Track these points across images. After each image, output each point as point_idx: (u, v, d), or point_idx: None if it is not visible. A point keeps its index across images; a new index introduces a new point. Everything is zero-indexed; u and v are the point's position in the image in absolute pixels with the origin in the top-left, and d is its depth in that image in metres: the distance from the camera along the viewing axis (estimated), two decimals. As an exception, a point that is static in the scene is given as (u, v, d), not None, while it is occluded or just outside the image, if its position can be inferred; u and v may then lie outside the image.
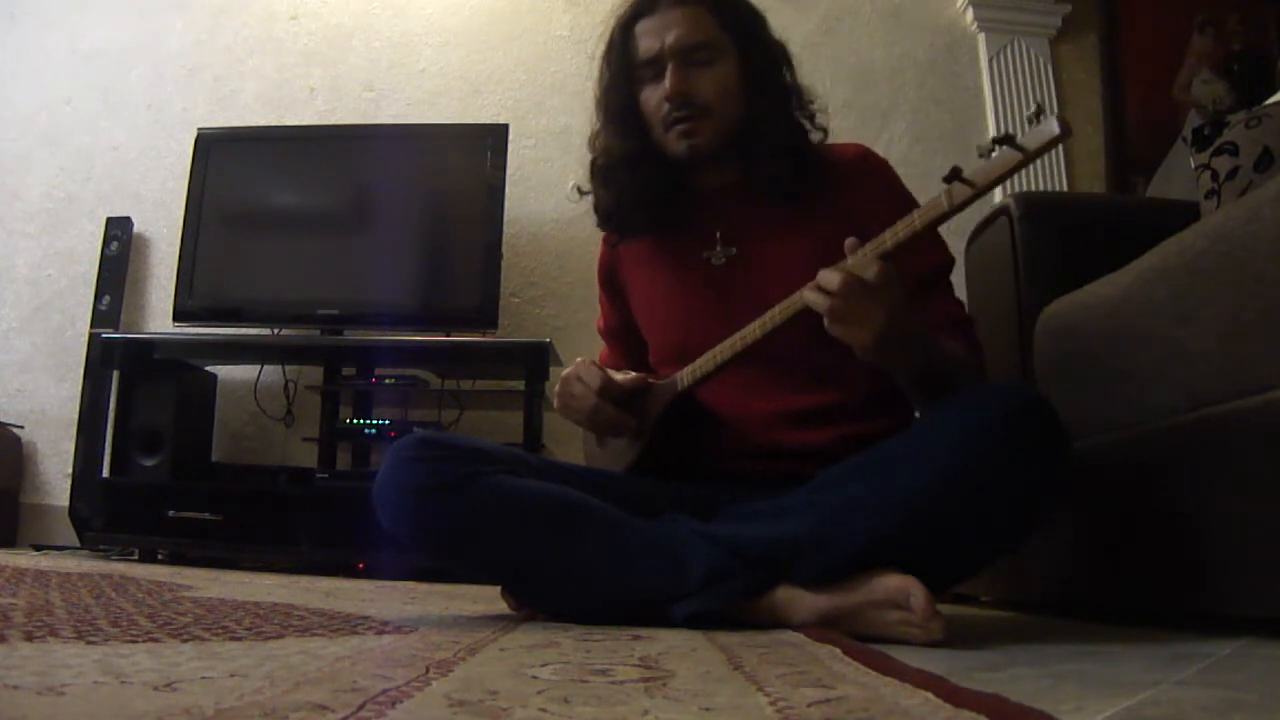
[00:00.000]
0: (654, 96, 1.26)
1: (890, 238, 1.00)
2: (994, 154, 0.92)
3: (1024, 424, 0.98)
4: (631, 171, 1.29)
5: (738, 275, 1.27)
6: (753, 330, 1.12)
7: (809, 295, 1.02)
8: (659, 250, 1.34)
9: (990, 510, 0.99)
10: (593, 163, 1.34)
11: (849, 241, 1.02)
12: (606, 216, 1.35)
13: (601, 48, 1.32)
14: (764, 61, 1.28)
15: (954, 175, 0.94)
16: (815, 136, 1.29)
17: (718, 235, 1.29)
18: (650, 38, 1.25)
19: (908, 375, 1.10)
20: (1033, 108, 0.90)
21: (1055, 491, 1.02)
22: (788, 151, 1.24)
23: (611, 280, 1.42)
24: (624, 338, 1.44)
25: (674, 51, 1.23)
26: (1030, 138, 0.90)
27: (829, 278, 1.00)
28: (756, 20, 1.30)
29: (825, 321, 1.01)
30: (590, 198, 1.36)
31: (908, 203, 1.25)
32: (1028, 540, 1.05)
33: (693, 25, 1.24)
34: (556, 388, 1.26)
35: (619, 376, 1.25)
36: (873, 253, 1.00)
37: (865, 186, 1.26)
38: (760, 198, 1.27)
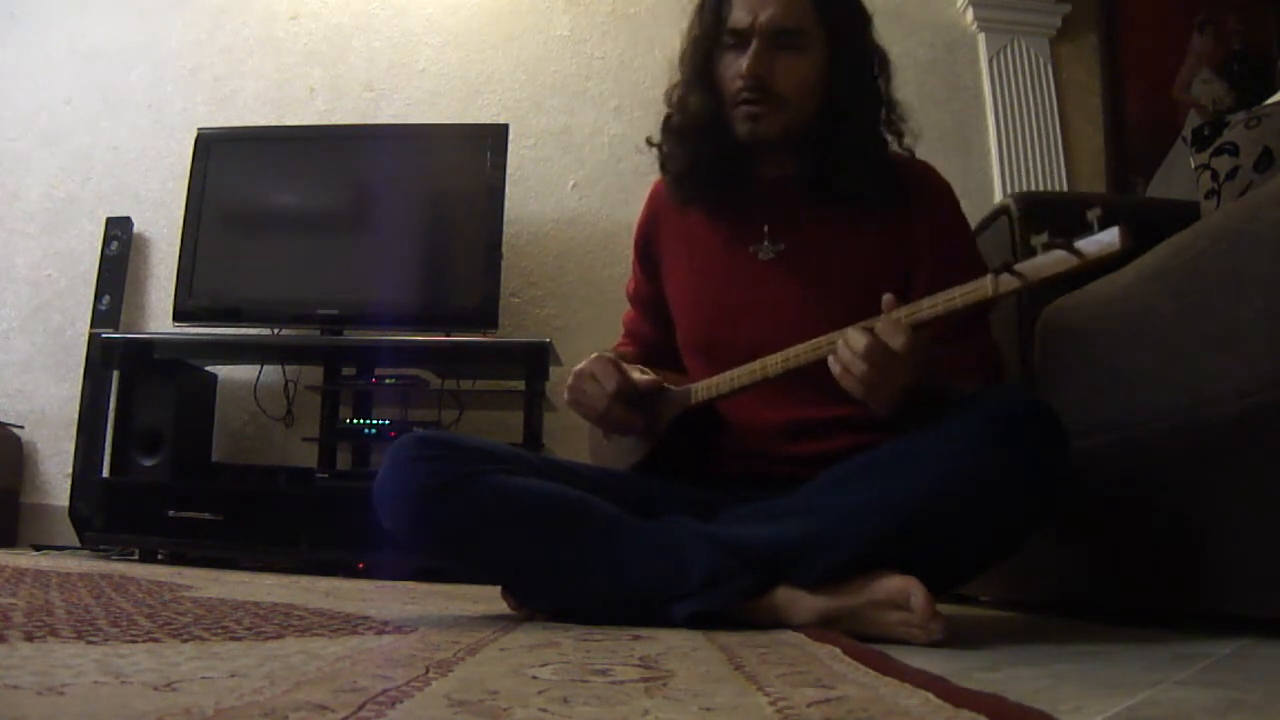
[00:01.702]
0: (731, 68, 1.21)
1: (928, 309, 0.98)
2: (1049, 253, 0.90)
3: (1026, 429, 0.98)
4: (697, 135, 1.25)
5: (780, 274, 1.24)
6: (775, 363, 1.11)
7: (830, 354, 1.02)
8: (703, 231, 1.31)
9: (991, 514, 0.99)
10: (667, 118, 1.30)
11: (886, 298, 1.01)
12: (674, 175, 1.31)
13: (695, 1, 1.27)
14: (855, 62, 1.22)
15: (1004, 267, 0.93)
16: (900, 155, 1.25)
17: (766, 229, 1.26)
18: (744, 9, 1.19)
19: (915, 426, 1.09)
20: (1097, 209, 0.87)
21: (1056, 496, 1.02)
22: (857, 160, 1.20)
23: (648, 249, 1.38)
24: (652, 307, 1.40)
25: (763, 30, 1.18)
26: (1088, 244, 0.87)
27: (856, 340, 0.99)
28: (859, 19, 1.25)
29: (845, 380, 1.01)
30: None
31: (963, 233, 1.25)
32: (1028, 543, 1.05)
33: (789, 8, 1.18)
34: (569, 382, 1.24)
35: (635, 375, 1.23)
36: (905, 320, 0.99)
37: (926, 209, 1.23)
38: (815, 197, 1.24)
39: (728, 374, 1.17)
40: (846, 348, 1.00)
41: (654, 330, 1.40)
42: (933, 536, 0.99)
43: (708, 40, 1.24)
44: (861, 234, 1.22)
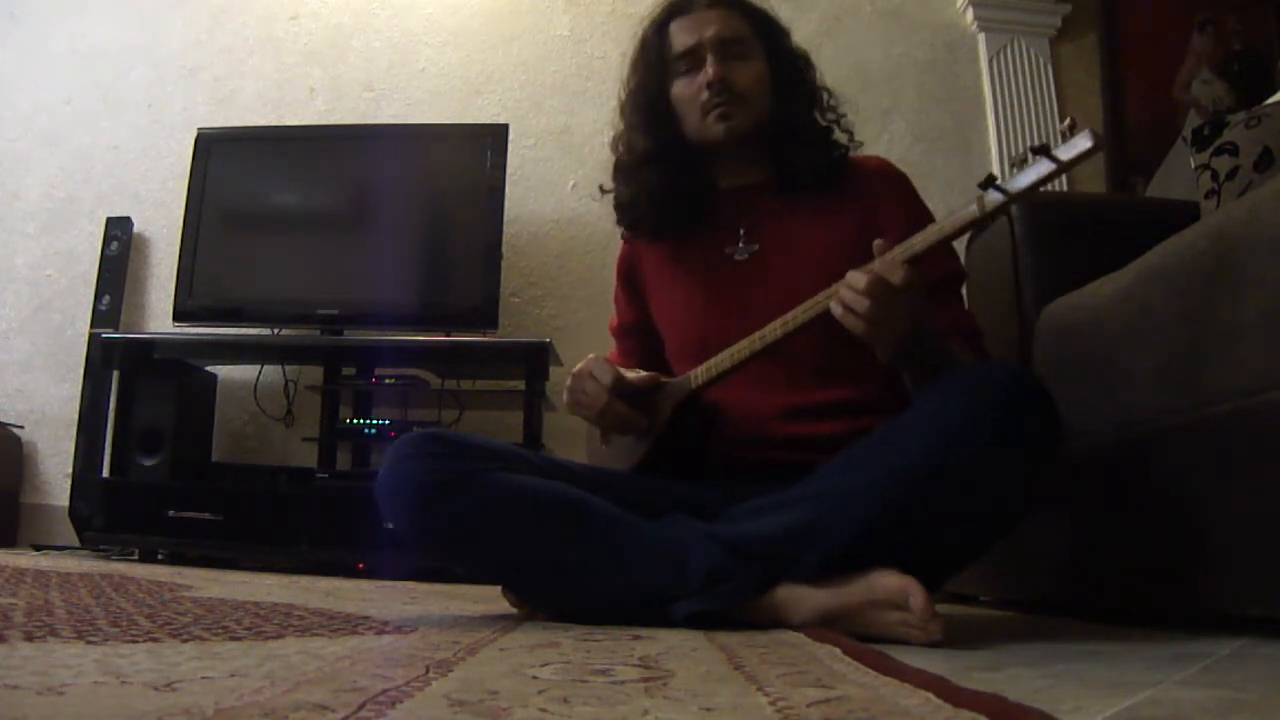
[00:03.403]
0: (690, 87, 1.31)
1: (920, 241, 1.02)
2: (1028, 163, 0.94)
3: (1017, 407, 0.99)
4: (657, 167, 1.33)
5: (760, 270, 1.29)
6: (773, 329, 1.13)
7: (834, 295, 1.04)
8: (680, 248, 1.36)
9: (980, 494, 1.00)
10: (617, 162, 1.39)
11: (878, 243, 1.04)
12: (630, 215, 1.38)
13: (632, 49, 1.38)
14: (789, 62, 1.35)
15: (988, 183, 0.96)
16: (842, 137, 1.34)
17: (741, 231, 1.32)
18: (687, 34, 1.31)
19: (919, 378, 1.11)
20: (1067, 120, 0.92)
21: (1046, 477, 1.03)
22: (818, 145, 1.30)
23: (630, 277, 1.44)
24: (637, 336, 1.45)
25: (713, 44, 1.29)
26: (1064, 149, 0.91)
27: (857, 278, 1.02)
28: (782, 30, 1.38)
29: (849, 321, 1.03)
30: (609, 200, 1.40)
31: (927, 216, 1.30)
32: (1016, 528, 1.05)
33: (728, 22, 1.31)
34: (567, 383, 1.26)
35: (631, 375, 1.25)
36: (900, 257, 1.02)
37: (887, 196, 1.30)
38: (784, 196, 1.31)
39: (726, 351, 1.19)
40: (848, 288, 1.03)
41: (638, 364, 1.41)
42: (924, 518, 1.00)
43: (655, 76, 1.34)
44: (831, 224, 1.28)
